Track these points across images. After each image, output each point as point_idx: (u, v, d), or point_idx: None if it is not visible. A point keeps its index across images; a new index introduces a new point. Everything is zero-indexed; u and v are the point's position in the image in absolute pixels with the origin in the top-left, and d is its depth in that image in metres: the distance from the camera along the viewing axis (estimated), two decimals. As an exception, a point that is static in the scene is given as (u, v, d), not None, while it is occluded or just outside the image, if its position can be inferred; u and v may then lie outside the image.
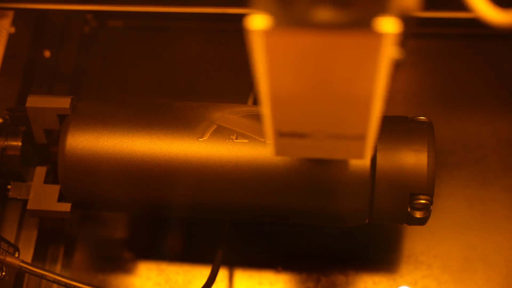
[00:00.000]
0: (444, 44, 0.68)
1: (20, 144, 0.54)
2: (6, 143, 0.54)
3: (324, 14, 0.27)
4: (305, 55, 0.30)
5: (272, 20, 0.28)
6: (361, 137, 0.37)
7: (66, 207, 0.51)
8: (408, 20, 0.29)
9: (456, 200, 0.62)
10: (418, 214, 0.49)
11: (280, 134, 0.38)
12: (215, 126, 0.50)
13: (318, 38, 0.28)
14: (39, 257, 0.61)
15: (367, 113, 0.34)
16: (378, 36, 0.27)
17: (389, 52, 0.29)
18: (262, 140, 0.49)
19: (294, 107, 0.34)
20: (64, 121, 0.51)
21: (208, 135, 0.49)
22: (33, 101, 0.51)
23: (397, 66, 0.32)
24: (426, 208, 0.49)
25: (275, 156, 0.42)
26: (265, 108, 0.35)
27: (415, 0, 0.29)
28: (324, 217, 0.50)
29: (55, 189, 0.52)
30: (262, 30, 0.28)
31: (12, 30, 0.63)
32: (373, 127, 0.36)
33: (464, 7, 0.35)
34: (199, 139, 0.49)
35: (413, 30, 0.30)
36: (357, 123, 0.36)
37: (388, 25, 0.27)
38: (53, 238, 0.63)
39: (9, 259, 0.51)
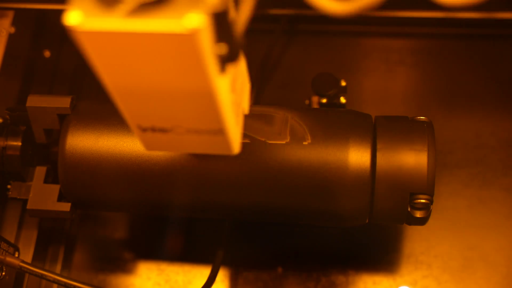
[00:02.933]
0: (444, 44, 0.69)
1: (20, 144, 0.54)
2: (6, 143, 0.54)
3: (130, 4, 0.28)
4: (125, 51, 0.30)
5: (84, 14, 0.29)
6: (220, 132, 0.38)
7: (66, 206, 0.51)
8: (220, 16, 0.30)
9: (456, 200, 0.62)
10: (418, 214, 0.49)
11: (142, 129, 0.38)
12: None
13: (132, 34, 0.29)
14: (39, 257, 0.61)
15: (213, 108, 0.35)
16: (187, 31, 0.28)
17: (205, 47, 0.30)
18: (262, 139, 0.49)
19: (142, 102, 0.35)
20: (64, 120, 0.51)
21: (208, 135, 0.49)
22: (34, 101, 0.51)
23: (226, 61, 0.32)
24: (426, 208, 0.49)
25: (147, 151, 0.43)
26: (116, 103, 0.36)
27: None
28: (324, 217, 0.50)
29: (55, 189, 0.52)
30: (77, 25, 0.29)
31: (12, 30, 0.63)
32: (228, 122, 0.37)
33: (466, 7, 0.35)
34: (199, 139, 0.49)
35: (229, 24, 0.31)
36: (208, 118, 0.36)
37: (196, 21, 0.28)
38: (53, 238, 0.63)
39: (9, 259, 0.51)
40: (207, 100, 0.34)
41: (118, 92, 0.35)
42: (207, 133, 0.38)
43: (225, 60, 0.32)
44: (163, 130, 0.38)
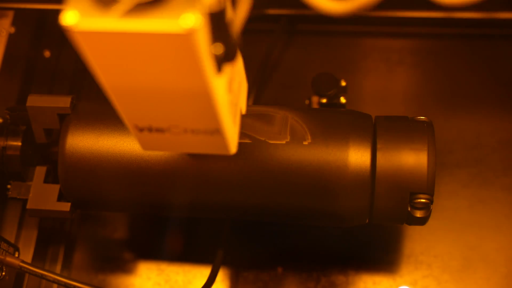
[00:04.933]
0: (444, 44, 0.69)
1: (20, 144, 0.54)
2: (6, 143, 0.54)
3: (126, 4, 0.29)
4: (122, 51, 0.31)
5: (80, 14, 0.29)
6: (217, 132, 0.38)
7: (65, 206, 0.51)
8: (217, 16, 0.30)
9: (456, 200, 0.62)
10: (418, 214, 0.49)
11: (139, 129, 0.39)
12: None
13: (128, 34, 0.29)
14: (39, 257, 0.61)
15: (210, 108, 0.35)
16: (183, 31, 0.28)
17: (201, 47, 0.30)
18: (263, 139, 0.49)
19: (138, 102, 0.35)
20: (64, 120, 0.51)
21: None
22: (34, 101, 0.51)
23: (223, 61, 0.32)
24: (427, 208, 0.49)
25: (144, 150, 0.43)
26: (113, 103, 0.36)
27: None
28: (324, 217, 0.50)
29: (55, 189, 0.52)
30: (73, 25, 0.29)
31: (12, 30, 0.63)
32: (225, 122, 0.37)
33: (466, 7, 0.35)
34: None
35: (226, 24, 0.31)
36: (205, 118, 0.37)
37: (192, 21, 0.28)
38: (53, 238, 0.63)
39: (9, 259, 0.51)
40: (204, 100, 0.34)
41: (115, 92, 0.35)
42: (204, 133, 0.38)
43: (222, 60, 0.32)
44: (160, 130, 0.38)
